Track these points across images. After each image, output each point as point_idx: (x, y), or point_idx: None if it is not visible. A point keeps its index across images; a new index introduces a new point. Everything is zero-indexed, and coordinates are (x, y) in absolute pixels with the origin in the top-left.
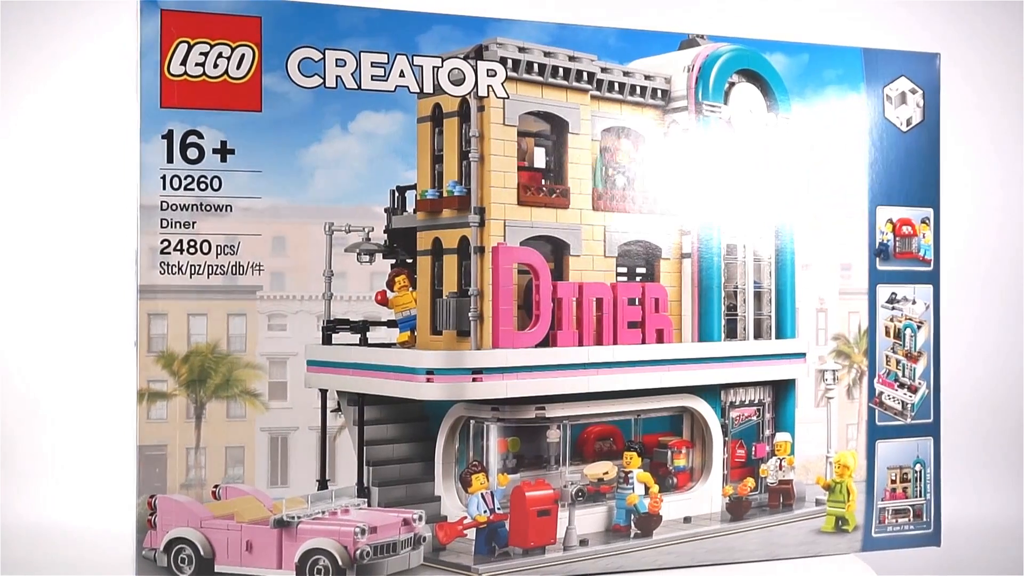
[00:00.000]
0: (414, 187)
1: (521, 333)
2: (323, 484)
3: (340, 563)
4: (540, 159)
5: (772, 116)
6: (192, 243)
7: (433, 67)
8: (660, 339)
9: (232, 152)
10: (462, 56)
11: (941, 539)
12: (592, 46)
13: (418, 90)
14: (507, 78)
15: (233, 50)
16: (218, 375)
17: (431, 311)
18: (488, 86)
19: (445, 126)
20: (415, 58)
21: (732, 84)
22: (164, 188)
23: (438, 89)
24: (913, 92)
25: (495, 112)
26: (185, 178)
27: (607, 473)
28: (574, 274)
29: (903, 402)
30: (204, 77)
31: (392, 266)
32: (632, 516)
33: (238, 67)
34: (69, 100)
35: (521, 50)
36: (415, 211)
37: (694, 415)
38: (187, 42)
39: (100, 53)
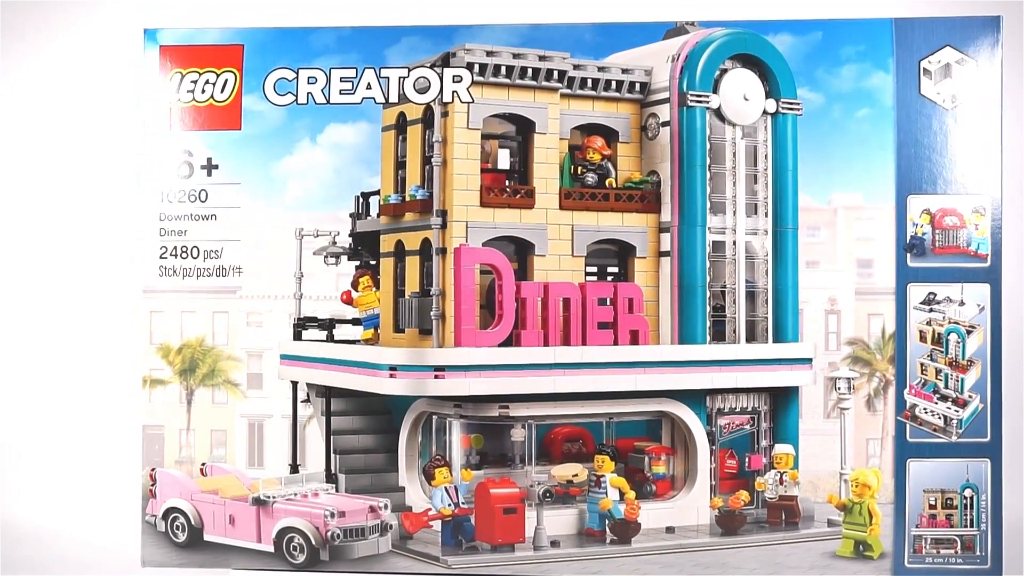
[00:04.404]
0: (378, 193)
1: (483, 332)
2: (294, 468)
3: (313, 542)
4: (504, 160)
5: (772, 102)
6: (184, 249)
7: (399, 77)
8: (635, 340)
9: (216, 167)
10: (429, 65)
11: None
12: (567, 44)
13: (384, 100)
14: (473, 83)
15: (218, 76)
16: (205, 365)
17: (394, 310)
18: (453, 92)
19: (409, 133)
20: (382, 70)
21: (724, 71)
22: (161, 201)
23: (403, 98)
24: (960, 63)
25: (459, 117)
26: (178, 192)
27: (576, 476)
28: (539, 274)
29: (946, 417)
30: (194, 102)
31: (356, 268)
32: (607, 521)
33: (222, 91)
34: (82, 129)
35: (489, 54)
36: (378, 215)
37: (675, 421)
38: (180, 72)
39: (108, 84)
